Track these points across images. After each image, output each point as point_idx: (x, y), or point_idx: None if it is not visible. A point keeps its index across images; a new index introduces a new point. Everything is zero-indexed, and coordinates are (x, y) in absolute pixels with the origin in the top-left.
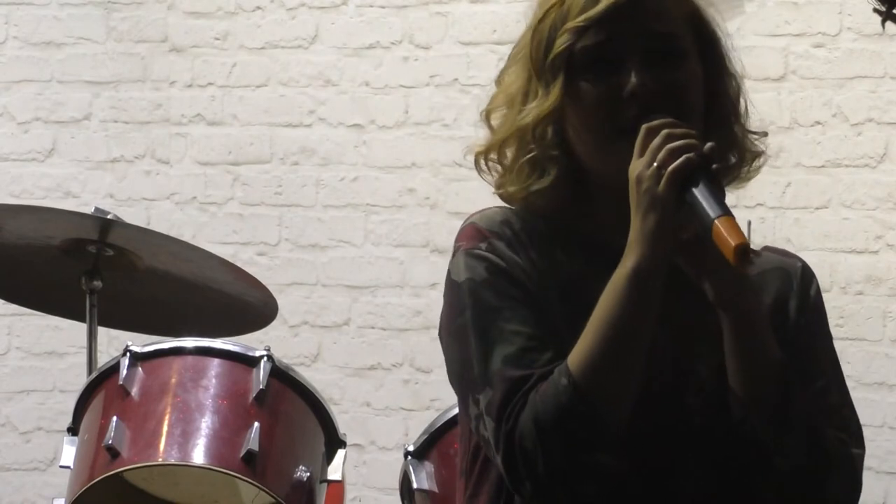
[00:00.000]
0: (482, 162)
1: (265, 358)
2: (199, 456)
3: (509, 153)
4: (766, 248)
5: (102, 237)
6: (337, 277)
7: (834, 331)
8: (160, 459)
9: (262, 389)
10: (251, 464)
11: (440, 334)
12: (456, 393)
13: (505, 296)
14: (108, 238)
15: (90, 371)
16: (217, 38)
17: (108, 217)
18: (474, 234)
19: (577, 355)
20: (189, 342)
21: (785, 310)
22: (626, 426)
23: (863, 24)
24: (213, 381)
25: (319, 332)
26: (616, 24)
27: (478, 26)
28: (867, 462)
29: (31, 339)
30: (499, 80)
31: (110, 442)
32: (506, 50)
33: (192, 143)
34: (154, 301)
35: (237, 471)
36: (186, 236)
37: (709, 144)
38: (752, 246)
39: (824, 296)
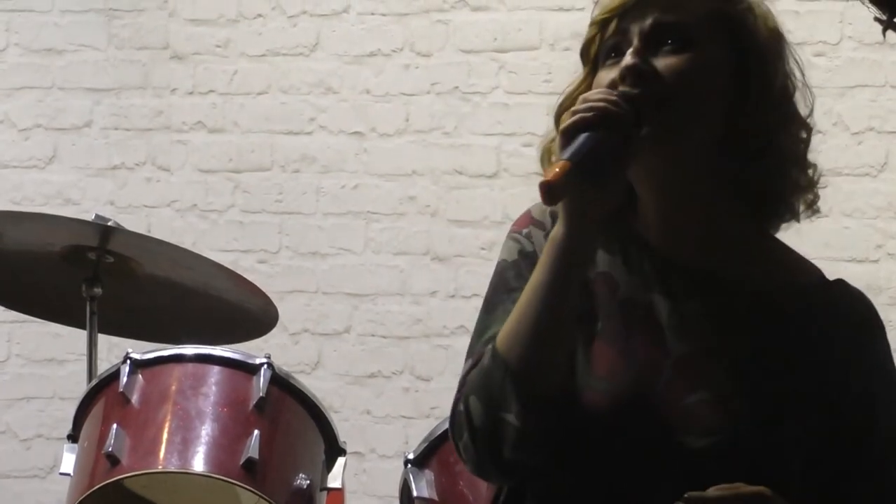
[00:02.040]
0: (547, 159)
1: (265, 365)
2: (199, 463)
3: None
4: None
5: (103, 244)
6: (337, 285)
7: None
8: (160, 467)
9: (262, 397)
10: (251, 471)
11: None
12: None
13: (524, 279)
14: (108, 245)
15: (90, 378)
16: (218, 46)
17: (109, 224)
18: (523, 220)
19: (505, 322)
20: (189, 349)
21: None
22: (556, 400)
23: (863, 34)
24: (214, 388)
25: (320, 339)
26: (630, 16)
27: (479, 34)
28: None
29: (31, 346)
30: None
31: (110, 449)
32: (507, 58)
33: (192, 150)
34: (154, 308)
35: (237, 478)
36: (187, 243)
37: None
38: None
39: None
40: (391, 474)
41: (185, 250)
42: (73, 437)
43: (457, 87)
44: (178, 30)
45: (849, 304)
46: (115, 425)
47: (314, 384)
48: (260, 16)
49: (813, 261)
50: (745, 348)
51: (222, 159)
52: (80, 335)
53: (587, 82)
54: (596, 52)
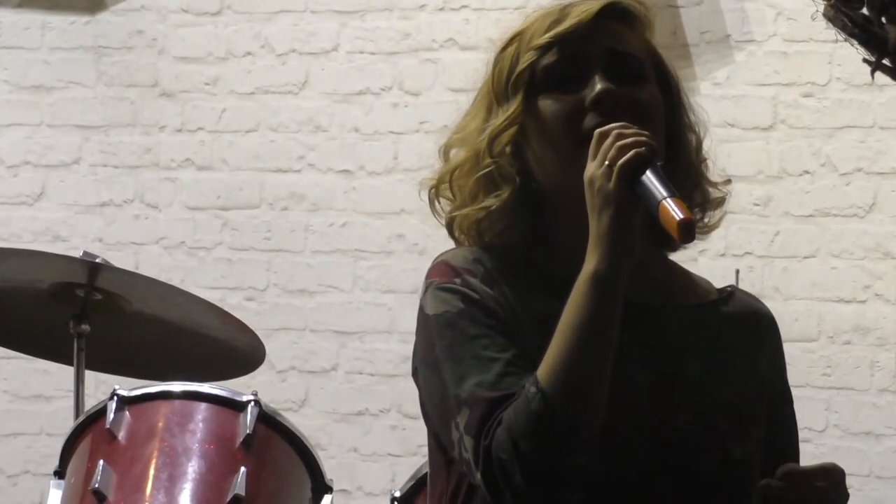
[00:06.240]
0: (435, 197)
1: (252, 403)
2: (185, 500)
3: (463, 181)
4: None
5: (91, 281)
6: (325, 323)
7: (821, 380)
8: None
9: (248, 434)
10: None
11: (414, 369)
12: (433, 428)
13: (482, 324)
14: (96, 282)
15: (77, 414)
16: (207, 84)
17: (97, 261)
18: (447, 271)
19: (544, 363)
20: (176, 386)
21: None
22: (603, 429)
23: (852, 75)
24: (200, 425)
25: (307, 377)
26: (579, 43)
27: (467, 73)
28: None
29: (18, 382)
30: (459, 123)
31: (97, 486)
32: None
33: (181, 187)
34: (142, 345)
35: None
36: (175, 281)
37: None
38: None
39: (812, 345)
40: None
41: (173, 287)
42: (59, 474)
43: (446, 126)
44: (167, 67)
45: (753, 304)
46: (101, 462)
47: (301, 422)
48: (249, 54)
49: (801, 301)
50: (696, 366)
51: (211, 197)
52: (68, 372)
53: (519, 110)
54: (529, 80)
